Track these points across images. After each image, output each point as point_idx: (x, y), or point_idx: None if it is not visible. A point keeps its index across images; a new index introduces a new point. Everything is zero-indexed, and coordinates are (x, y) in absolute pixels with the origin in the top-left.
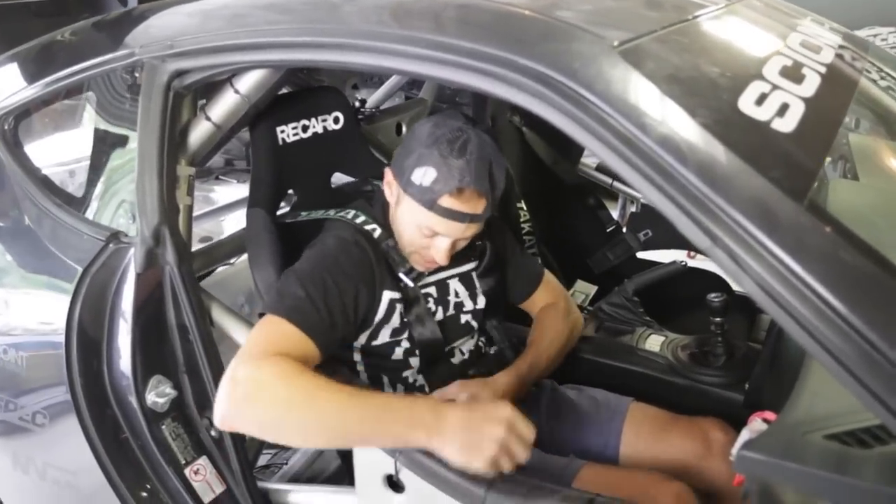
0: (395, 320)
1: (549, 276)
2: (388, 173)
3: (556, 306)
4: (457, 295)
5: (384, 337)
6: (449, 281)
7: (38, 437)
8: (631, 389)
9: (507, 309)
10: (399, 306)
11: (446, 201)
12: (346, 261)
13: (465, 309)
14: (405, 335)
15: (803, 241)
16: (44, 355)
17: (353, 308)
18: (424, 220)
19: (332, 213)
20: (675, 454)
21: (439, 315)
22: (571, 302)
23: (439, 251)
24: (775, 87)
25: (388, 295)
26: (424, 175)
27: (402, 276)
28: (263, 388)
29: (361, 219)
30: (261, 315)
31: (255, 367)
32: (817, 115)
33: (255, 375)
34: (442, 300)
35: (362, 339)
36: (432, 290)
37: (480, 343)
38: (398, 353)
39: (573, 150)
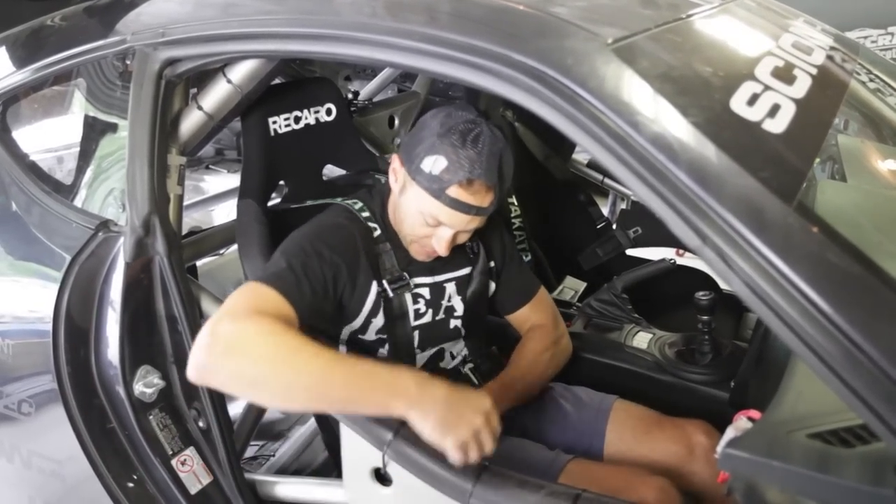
0: (381, 318)
1: (544, 295)
2: (396, 159)
3: (543, 328)
4: (449, 299)
5: (370, 334)
6: (446, 285)
7: (23, 426)
8: (618, 386)
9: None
10: (384, 303)
11: (454, 191)
12: (330, 237)
13: (455, 314)
14: (388, 338)
15: (791, 241)
16: (30, 343)
17: (333, 282)
18: (430, 208)
19: (338, 200)
20: (658, 457)
21: (427, 317)
22: (563, 328)
23: (441, 241)
24: (767, 87)
25: (375, 287)
26: (435, 163)
27: (385, 276)
28: (247, 342)
29: (359, 205)
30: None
31: (238, 322)
32: (808, 117)
33: (238, 330)
34: (435, 303)
35: (346, 332)
36: (426, 291)
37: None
38: (381, 353)
39: (565, 146)
